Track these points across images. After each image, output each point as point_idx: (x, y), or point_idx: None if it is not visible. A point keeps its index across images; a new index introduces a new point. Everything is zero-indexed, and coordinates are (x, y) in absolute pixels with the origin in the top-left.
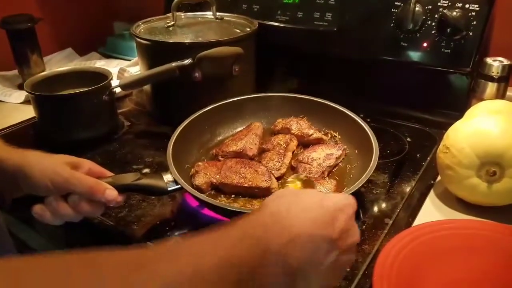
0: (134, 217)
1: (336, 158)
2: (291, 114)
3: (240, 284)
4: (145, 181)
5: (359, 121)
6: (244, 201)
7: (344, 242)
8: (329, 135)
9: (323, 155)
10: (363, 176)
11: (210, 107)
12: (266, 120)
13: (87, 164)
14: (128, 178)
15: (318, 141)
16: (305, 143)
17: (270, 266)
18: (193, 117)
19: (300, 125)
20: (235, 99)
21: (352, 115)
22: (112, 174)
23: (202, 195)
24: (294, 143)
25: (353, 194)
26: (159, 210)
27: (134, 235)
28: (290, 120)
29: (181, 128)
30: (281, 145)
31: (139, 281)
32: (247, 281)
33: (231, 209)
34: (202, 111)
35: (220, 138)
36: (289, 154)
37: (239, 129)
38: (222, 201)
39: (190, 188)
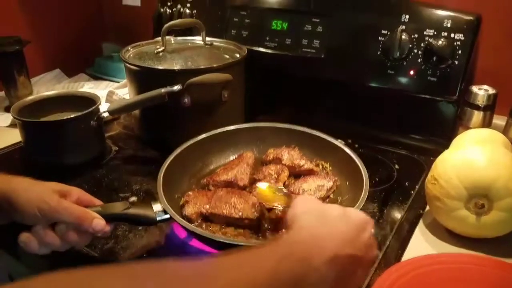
0: (120, 248)
1: (327, 189)
2: (283, 144)
3: None
4: (134, 210)
5: (350, 153)
6: (234, 231)
7: (367, 257)
8: (320, 166)
9: (314, 186)
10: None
11: (203, 136)
12: (258, 150)
13: (76, 192)
14: (117, 207)
15: (309, 172)
16: (296, 174)
17: (311, 282)
18: (185, 146)
19: (291, 156)
20: (228, 128)
21: (343, 147)
22: (101, 202)
23: (191, 225)
24: (285, 174)
25: None
26: (146, 241)
27: None
28: (282, 150)
29: (173, 157)
30: (272, 175)
31: None
32: None
33: (222, 240)
34: (194, 140)
35: (211, 167)
36: (280, 184)
37: (231, 158)
38: (211, 232)
39: (180, 218)
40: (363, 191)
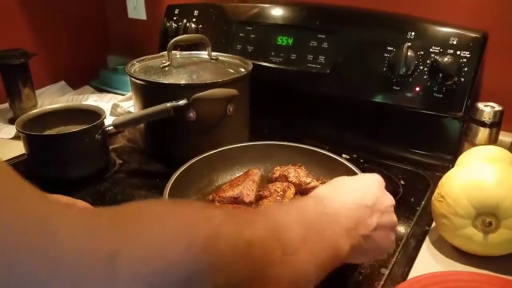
0: None
1: None
2: (289, 162)
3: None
4: None
5: (357, 172)
6: None
7: (381, 205)
8: None
9: None
10: None
11: (210, 152)
12: (264, 167)
13: (81, 205)
14: None
15: None
16: (302, 192)
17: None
18: (191, 162)
19: (298, 173)
20: (234, 146)
21: (349, 165)
22: None
23: None
24: (291, 191)
25: None
26: None
27: None
28: (288, 168)
29: (179, 172)
30: (279, 192)
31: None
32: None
33: None
34: (201, 156)
35: (217, 183)
36: (286, 201)
37: (237, 175)
38: None
39: None
40: None
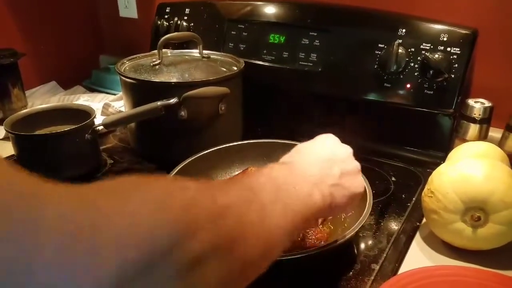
0: None
1: None
2: None
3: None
4: None
5: None
6: None
7: (340, 155)
8: None
9: None
10: (351, 229)
11: (207, 151)
12: (262, 166)
13: None
14: None
15: None
16: None
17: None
18: (189, 160)
19: None
20: (233, 144)
21: None
22: None
23: None
24: None
25: (344, 244)
26: None
27: None
28: None
29: (176, 171)
30: None
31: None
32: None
33: None
34: (199, 154)
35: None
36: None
37: (235, 173)
38: None
39: None
40: (366, 209)
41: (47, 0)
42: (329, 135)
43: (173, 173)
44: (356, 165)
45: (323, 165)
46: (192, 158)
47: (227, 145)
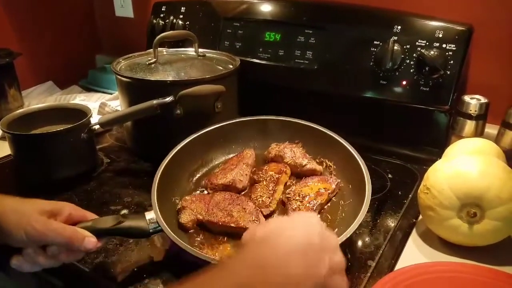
0: (111, 263)
1: (329, 193)
2: (286, 139)
3: None
4: (126, 224)
5: (355, 155)
6: (233, 243)
7: (330, 245)
8: (324, 164)
9: (315, 190)
10: (351, 227)
11: (203, 131)
12: (260, 144)
13: (67, 209)
14: (109, 221)
15: (312, 172)
16: (298, 174)
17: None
18: (185, 142)
19: (294, 153)
20: (228, 122)
21: (346, 145)
22: (94, 216)
23: (179, 240)
24: (286, 175)
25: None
26: (137, 255)
27: (111, 282)
28: (284, 146)
29: (170, 156)
30: (274, 177)
31: None
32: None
33: (199, 256)
34: (194, 136)
35: (212, 164)
36: (281, 187)
37: (232, 155)
38: (204, 248)
39: (169, 231)
40: (364, 203)
41: (43, 0)
42: (315, 215)
43: (166, 162)
44: (343, 261)
45: (307, 258)
46: (188, 140)
47: (222, 123)
